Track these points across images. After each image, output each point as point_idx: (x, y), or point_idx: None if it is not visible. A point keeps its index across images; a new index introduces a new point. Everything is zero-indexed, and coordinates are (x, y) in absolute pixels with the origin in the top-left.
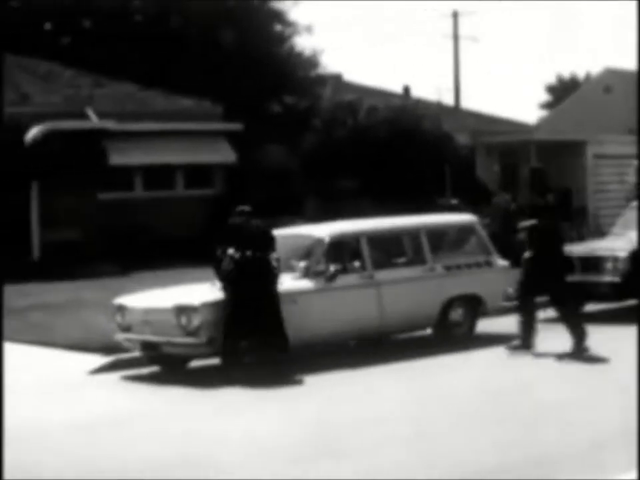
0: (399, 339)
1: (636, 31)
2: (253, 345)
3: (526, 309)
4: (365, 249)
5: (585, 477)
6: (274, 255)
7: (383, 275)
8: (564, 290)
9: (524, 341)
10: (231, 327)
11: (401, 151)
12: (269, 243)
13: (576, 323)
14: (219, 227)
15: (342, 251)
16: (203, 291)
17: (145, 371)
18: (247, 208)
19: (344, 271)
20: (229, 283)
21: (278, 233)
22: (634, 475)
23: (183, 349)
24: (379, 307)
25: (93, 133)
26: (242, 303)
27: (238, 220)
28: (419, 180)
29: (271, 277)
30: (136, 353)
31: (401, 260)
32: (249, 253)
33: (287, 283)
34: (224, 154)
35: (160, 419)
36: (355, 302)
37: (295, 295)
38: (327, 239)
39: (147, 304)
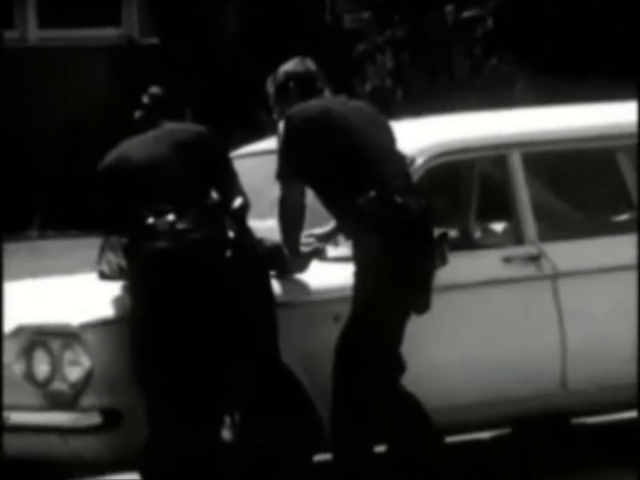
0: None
1: None
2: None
3: None
4: (520, 188)
5: None
6: (237, 202)
7: (565, 254)
8: None
9: None
10: (162, 401)
11: None
12: (222, 176)
13: None
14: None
15: (457, 193)
16: (89, 291)
17: None
18: (156, 90)
19: (462, 243)
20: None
21: None
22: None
23: (43, 441)
24: (561, 338)
25: None
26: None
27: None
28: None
29: (252, 263)
30: None
31: (614, 218)
32: (170, 217)
33: (317, 273)
34: None
35: None
36: (496, 324)
37: (337, 304)
38: (419, 161)
39: None
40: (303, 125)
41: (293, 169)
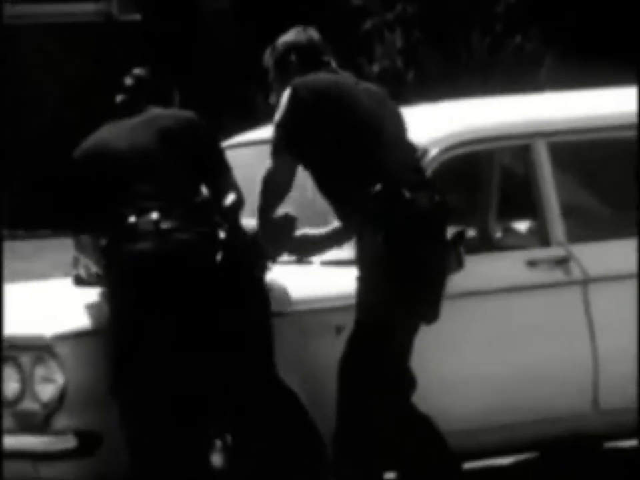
0: None
1: None
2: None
3: None
4: (545, 182)
5: None
6: (230, 198)
7: (596, 256)
8: None
9: None
10: (145, 419)
11: None
12: (213, 169)
13: None
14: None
15: (475, 188)
16: (63, 299)
17: None
18: (141, 71)
19: (481, 244)
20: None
21: None
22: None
23: (12, 467)
24: (592, 351)
25: None
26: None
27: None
28: None
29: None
30: None
31: None
32: (154, 216)
33: (316, 278)
34: None
35: None
36: (519, 335)
37: (339, 313)
38: (433, 152)
39: None
40: (309, 97)
41: (289, 145)
